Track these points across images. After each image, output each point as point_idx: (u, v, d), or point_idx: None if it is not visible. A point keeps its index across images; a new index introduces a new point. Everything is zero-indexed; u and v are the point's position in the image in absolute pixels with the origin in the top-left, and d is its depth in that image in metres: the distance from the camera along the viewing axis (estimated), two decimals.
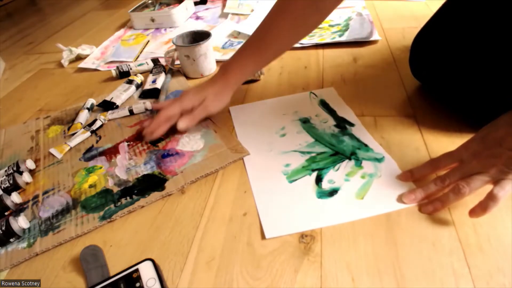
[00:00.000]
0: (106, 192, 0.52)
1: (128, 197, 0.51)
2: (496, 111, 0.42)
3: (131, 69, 0.85)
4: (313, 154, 0.53)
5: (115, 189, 0.53)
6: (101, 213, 0.49)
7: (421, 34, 0.61)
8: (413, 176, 0.47)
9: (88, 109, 0.72)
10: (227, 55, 0.86)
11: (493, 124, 0.42)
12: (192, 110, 0.58)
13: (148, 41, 1.03)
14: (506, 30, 0.47)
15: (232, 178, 0.52)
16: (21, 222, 0.48)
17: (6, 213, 0.52)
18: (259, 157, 0.54)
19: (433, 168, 0.46)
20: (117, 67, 0.85)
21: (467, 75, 0.52)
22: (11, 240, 0.47)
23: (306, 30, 0.55)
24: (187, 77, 0.80)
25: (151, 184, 0.52)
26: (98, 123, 0.67)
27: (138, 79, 0.79)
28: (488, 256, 0.37)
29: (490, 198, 0.38)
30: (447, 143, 0.52)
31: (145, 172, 0.55)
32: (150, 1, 1.22)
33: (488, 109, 0.43)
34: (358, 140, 0.55)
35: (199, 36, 0.79)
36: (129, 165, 0.57)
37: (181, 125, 0.57)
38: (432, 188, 0.42)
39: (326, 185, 0.48)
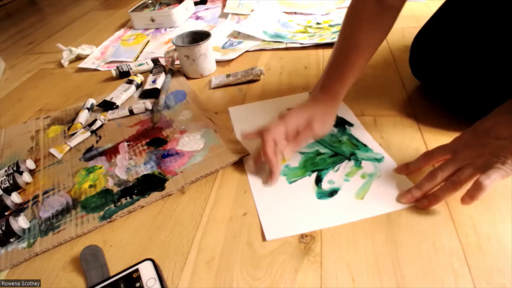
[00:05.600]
0: (106, 192, 0.52)
1: (128, 197, 0.51)
2: None
3: (131, 69, 0.85)
4: (312, 155, 0.53)
5: (115, 189, 0.53)
6: (101, 213, 0.49)
7: (421, 34, 0.61)
8: (409, 169, 0.47)
9: (88, 109, 0.72)
10: (227, 55, 0.86)
11: (485, 116, 0.43)
12: (297, 133, 0.51)
13: (148, 41, 1.03)
14: (505, 29, 0.47)
15: (232, 178, 0.52)
16: (21, 222, 0.48)
17: (6, 213, 0.52)
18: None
19: (427, 160, 0.47)
20: (117, 67, 0.85)
21: (467, 75, 0.52)
22: (11, 240, 0.47)
23: (385, 32, 0.54)
24: (187, 77, 0.80)
25: (151, 184, 0.52)
26: (98, 123, 0.67)
27: (138, 79, 0.79)
28: (488, 256, 0.37)
29: (476, 187, 0.38)
30: (446, 143, 0.52)
31: (145, 172, 0.55)
32: (150, 1, 1.22)
33: (488, 109, 0.44)
34: (357, 140, 0.55)
35: (199, 36, 0.80)
36: (129, 165, 0.57)
37: (288, 155, 0.51)
38: (427, 186, 0.43)
39: (326, 185, 0.48)
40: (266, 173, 0.50)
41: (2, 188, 0.55)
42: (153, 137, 0.62)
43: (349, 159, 0.52)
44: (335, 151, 0.53)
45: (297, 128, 0.50)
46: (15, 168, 0.58)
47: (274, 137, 0.49)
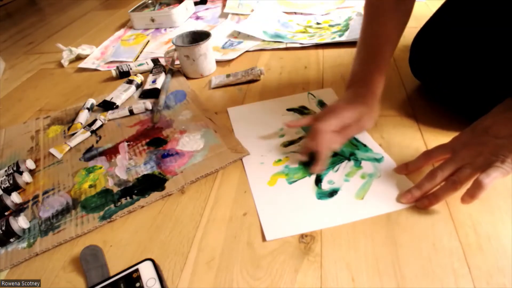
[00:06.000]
0: (106, 192, 0.52)
1: (128, 197, 0.51)
2: None
3: (131, 69, 0.85)
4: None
5: (115, 189, 0.53)
6: (101, 213, 0.49)
7: (420, 34, 0.61)
8: (408, 169, 0.47)
9: (88, 109, 0.72)
10: (227, 55, 0.86)
11: (484, 115, 0.43)
12: (345, 127, 0.52)
13: (148, 41, 1.03)
14: (505, 29, 0.47)
15: (232, 178, 0.52)
16: (21, 222, 0.48)
17: (6, 213, 0.52)
18: (258, 158, 0.54)
19: (427, 160, 0.47)
20: (117, 67, 0.85)
21: (467, 74, 0.52)
22: (11, 240, 0.47)
23: (407, 18, 0.55)
24: (187, 77, 0.80)
25: (151, 184, 0.52)
26: (98, 123, 0.67)
27: (138, 79, 0.79)
28: (488, 256, 0.37)
29: (476, 186, 0.38)
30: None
31: (145, 172, 0.55)
32: (150, 1, 1.22)
33: (488, 108, 0.44)
34: (357, 140, 0.55)
35: (199, 36, 0.80)
36: (129, 165, 0.57)
37: (337, 147, 0.52)
38: (427, 186, 0.43)
39: (325, 186, 0.48)
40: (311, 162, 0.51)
41: (2, 188, 0.55)
42: (153, 137, 0.62)
43: (349, 159, 0.51)
44: (334, 151, 0.53)
45: (348, 122, 0.51)
46: (15, 168, 0.58)
47: (328, 129, 0.50)
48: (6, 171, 0.58)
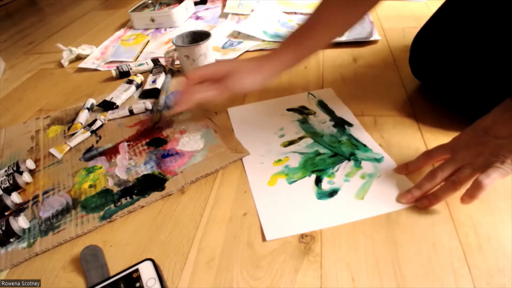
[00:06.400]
0: (106, 192, 0.52)
1: (128, 197, 0.51)
2: None
3: (131, 69, 0.85)
4: (312, 155, 0.53)
5: (115, 189, 0.53)
6: (101, 213, 0.49)
7: (421, 34, 0.61)
8: (408, 169, 0.47)
9: (88, 109, 0.72)
10: (227, 55, 0.86)
11: (485, 115, 0.43)
12: (222, 80, 0.53)
13: (148, 41, 1.03)
14: (505, 29, 0.47)
15: (232, 178, 0.52)
16: (21, 222, 0.48)
17: (6, 213, 0.52)
18: (258, 158, 0.54)
19: (427, 160, 0.47)
20: (117, 67, 0.85)
21: (467, 74, 0.52)
22: (11, 240, 0.47)
23: (356, 17, 0.54)
24: None
25: (151, 184, 0.52)
26: (98, 123, 0.67)
27: (138, 79, 0.79)
28: (488, 256, 0.37)
29: (475, 186, 0.38)
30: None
31: (145, 172, 0.55)
32: (150, 1, 1.22)
33: (488, 109, 0.44)
34: (357, 140, 0.55)
35: (199, 36, 0.79)
36: (129, 165, 0.57)
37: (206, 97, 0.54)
38: (427, 186, 0.43)
39: (325, 186, 0.48)
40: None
41: (2, 188, 0.55)
42: (153, 137, 0.62)
43: (349, 159, 0.52)
44: (334, 151, 0.53)
45: (225, 73, 0.53)
46: (15, 168, 0.58)
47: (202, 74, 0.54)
48: (6, 171, 0.58)
